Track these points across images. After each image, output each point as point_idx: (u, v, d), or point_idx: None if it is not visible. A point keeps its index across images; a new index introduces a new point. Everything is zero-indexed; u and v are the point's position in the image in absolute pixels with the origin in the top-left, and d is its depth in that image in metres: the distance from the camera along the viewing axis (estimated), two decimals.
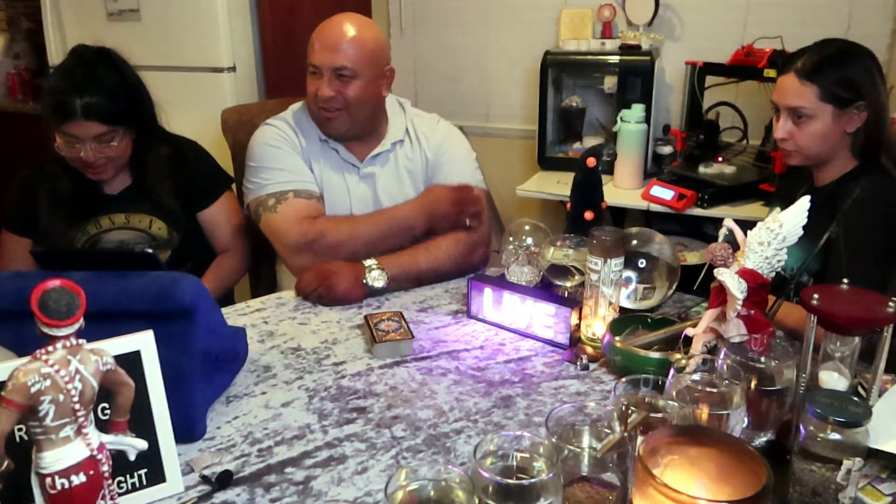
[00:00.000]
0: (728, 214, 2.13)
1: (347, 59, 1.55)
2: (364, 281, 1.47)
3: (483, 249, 1.64)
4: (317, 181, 1.66)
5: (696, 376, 0.91)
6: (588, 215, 1.43)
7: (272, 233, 1.59)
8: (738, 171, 2.38)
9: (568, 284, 1.35)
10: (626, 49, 2.53)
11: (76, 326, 0.69)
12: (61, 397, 0.68)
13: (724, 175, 2.34)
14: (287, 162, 1.62)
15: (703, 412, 0.85)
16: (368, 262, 1.49)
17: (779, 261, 1.02)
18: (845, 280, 0.95)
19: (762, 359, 0.94)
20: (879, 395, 0.96)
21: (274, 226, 1.58)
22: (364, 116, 1.63)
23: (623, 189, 2.43)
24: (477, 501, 0.72)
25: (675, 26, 2.68)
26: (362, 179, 1.68)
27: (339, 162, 1.68)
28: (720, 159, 2.37)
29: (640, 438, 0.76)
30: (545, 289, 1.36)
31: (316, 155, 1.67)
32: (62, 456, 0.69)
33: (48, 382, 0.67)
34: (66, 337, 0.69)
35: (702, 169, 2.36)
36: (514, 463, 0.79)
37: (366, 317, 1.33)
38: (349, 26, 1.57)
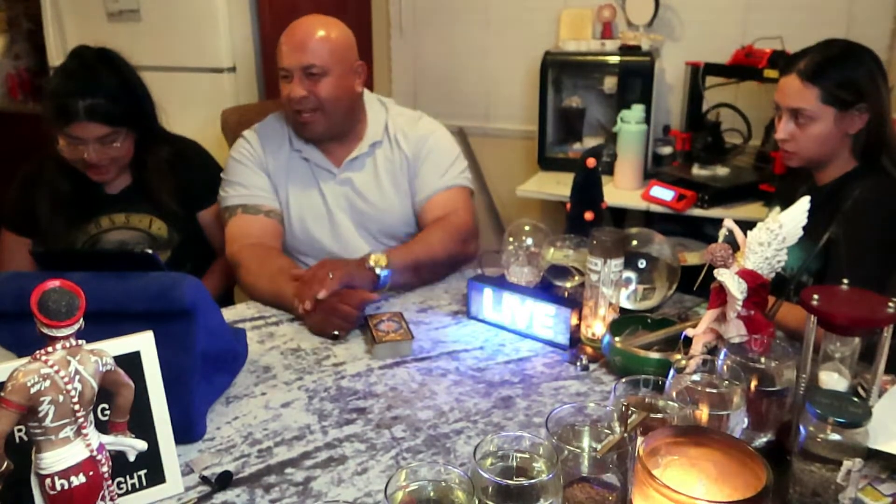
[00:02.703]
0: (728, 215, 2.13)
1: (315, 57, 1.54)
2: (368, 265, 1.42)
3: (473, 243, 1.64)
4: (281, 195, 1.67)
5: (696, 377, 0.91)
6: (588, 216, 1.43)
7: None
8: (738, 171, 2.38)
9: (568, 285, 1.35)
10: (626, 49, 2.53)
11: (76, 327, 0.69)
12: (61, 398, 0.68)
13: (723, 176, 2.34)
14: (244, 176, 1.65)
15: (703, 413, 0.85)
16: (366, 255, 1.47)
17: (779, 261, 1.02)
18: (845, 280, 0.95)
19: (762, 359, 0.94)
20: (879, 396, 0.96)
21: (225, 237, 1.64)
22: (340, 114, 1.62)
23: (623, 190, 2.43)
24: (477, 502, 0.72)
25: (675, 27, 2.68)
26: (339, 185, 1.68)
27: (312, 171, 1.67)
28: (715, 162, 2.38)
29: (639, 439, 0.76)
30: (545, 289, 1.36)
31: (284, 168, 1.67)
32: (62, 457, 0.69)
33: (48, 383, 0.67)
34: (66, 337, 0.69)
35: (702, 170, 2.36)
36: (514, 464, 0.79)
37: (366, 317, 1.33)
38: (314, 26, 1.57)
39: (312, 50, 1.54)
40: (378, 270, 1.43)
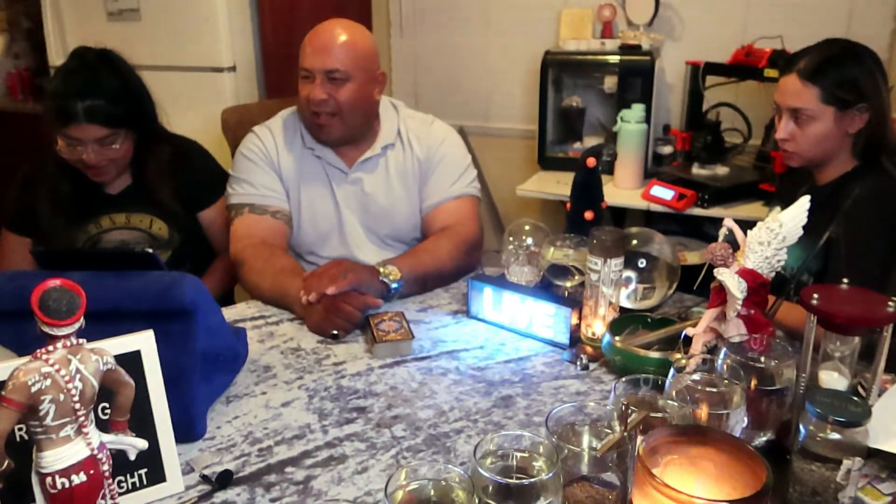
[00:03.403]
0: (728, 214, 2.13)
1: (339, 62, 1.54)
2: (381, 278, 1.43)
3: (478, 253, 1.64)
4: (291, 194, 1.66)
5: (696, 376, 0.91)
6: (588, 215, 1.43)
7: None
8: (738, 170, 2.38)
9: (568, 284, 1.35)
10: (626, 49, 2.53)
11: (76, 326, 0.69)
12: (62, 397, 0.68)
13: (723, 175, 2.34)
14: (253, 175, 1.64)
15: (703, 412, 0.85)
16: (377, 264, 1.47)
17: (779, 260, 1.02)
18: (845, 280, 0.95)
19: (762, 358, 0.94)
20: (879, 395, 0.96)
21: (230, 235, 1.63)
22: (356, 121, 1.61)
23: (623, 189, 2.43)
24: (477, 501, 0.72)
25: (675, 26, 2.68)
26: (350, 185, 1.67)
27: (324, 169, 1.67)
28: (716, 161, 2.37)
29: (639, 438, 0.76)
30: (545, 289, 1.36)
31: (296, 166, 1.66)
32: (62, 455, 0.69)
33: (48, 382, 0.67)
34: (67, 336, 0.69)
35: (702, 169, 2.36)
36: (514, 462, 0.79)
37: (367, 317, 1.33)
38: (340, 30, 1.57)
39: (337, 54, 1.54)
40: (389, 282, 1.43)
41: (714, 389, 0.88)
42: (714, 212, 2.22)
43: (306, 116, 1.63)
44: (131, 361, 0.84)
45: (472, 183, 1.72)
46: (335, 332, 1.31)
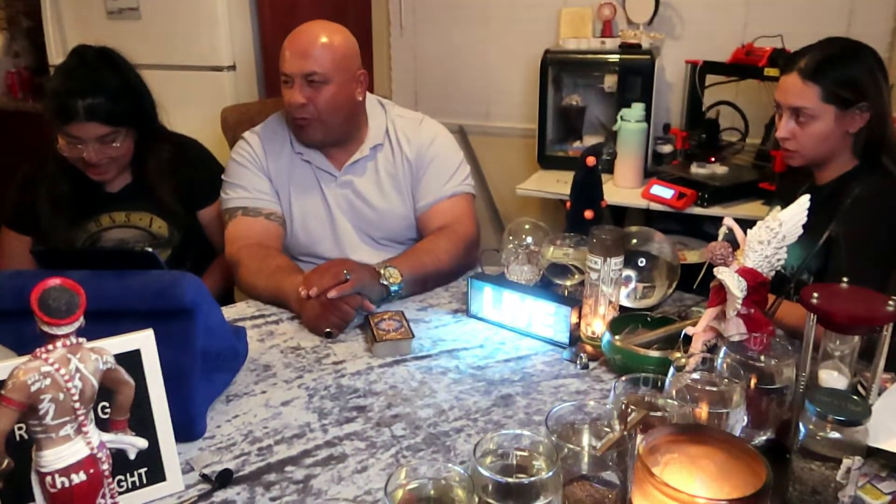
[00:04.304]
0: (728, 213, 2.13)
1: (317, 65, 1.53)
2: (382, 282, 1.42)
3: (476, 252, 1.64)
4: (282, 198, 1.66)
5: (696, 375, 0.91)
6: (588, 214, 1.43)
7: None
8: (738, 169, 2.38)
9: (568, 283, 1.35)
10: (626, 48, 2.53)
11: (76, 325, 0.69)
12: (61, 396, 0.68)
13: (723, 174, 2.34)
14: (245, 179, 1.65)
15: (703, 411, 0.85)
16: (377, 265, 1.47)
17: (779, 259, 1.02)
18: (845, 279, 0.95)
19: (762, 357, 0.94)
20: (879, 394, 0.96)
21: (225, 238, 1.64)
22: (339, 122, 1.60)
23: (623, 188, 2.43)
24: (476, 500, 0.72)
25: (675, 25, 2.68)
26: (340, 188, 1.67)
27: (314, 173, 1.66)
28: (713, 160, 2.37)
29: (639, 437, 0.76)
30: (545, 288, 1.36)
31: (285, 170, 1.66)
32: (62, 454, 0.69)
33: (48, 381, 0.67)
34: (67, 336, 0.69)
35: (701, 168, 2.36)
36: (514, 461, 0.79)
37: (367, 316, 1.33)
38: (317, 32, 1.55)
39: (315, 57, 1.53)
40: (389, 285, 1.43)
41: (714, 388, 0.88)
42: (714, 211, 2.22)
43: (289, 121, 1.63)
44: (131, 361, 0.84)
45: (466, 180, 1.71)
46: (328, 330, 1.31)
